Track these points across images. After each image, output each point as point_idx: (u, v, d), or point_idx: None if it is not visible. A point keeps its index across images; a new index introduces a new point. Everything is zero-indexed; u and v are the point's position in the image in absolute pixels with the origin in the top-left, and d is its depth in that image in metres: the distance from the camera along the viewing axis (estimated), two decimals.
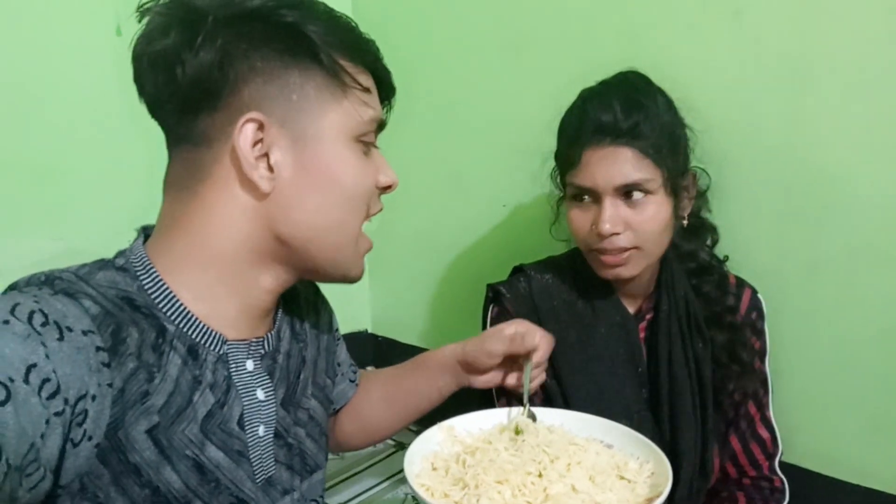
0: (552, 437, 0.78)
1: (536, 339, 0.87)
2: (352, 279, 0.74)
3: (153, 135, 0.68)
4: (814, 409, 1.10)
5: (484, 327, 1.10)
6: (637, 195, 0.93)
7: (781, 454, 1.07)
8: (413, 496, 1.40)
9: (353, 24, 0.69)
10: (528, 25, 1.34)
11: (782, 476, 1.06)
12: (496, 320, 1.09)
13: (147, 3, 0.64)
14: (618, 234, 0.94)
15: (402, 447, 1.66)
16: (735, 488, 1.07)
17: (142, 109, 0.65)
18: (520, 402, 0.89)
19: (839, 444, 1.09)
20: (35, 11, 1.17)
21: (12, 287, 0.61)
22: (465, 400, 0.94)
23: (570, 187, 0.98)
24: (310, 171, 0.65)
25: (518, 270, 1.11)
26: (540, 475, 0.70)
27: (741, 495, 1.06)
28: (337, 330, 0.92)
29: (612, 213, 0.93)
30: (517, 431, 0.80)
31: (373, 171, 0.71)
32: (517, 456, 0.74)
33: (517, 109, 1.36)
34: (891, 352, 1.02)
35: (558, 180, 1.04)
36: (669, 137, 0.95)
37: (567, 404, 0.96)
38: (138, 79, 0.65)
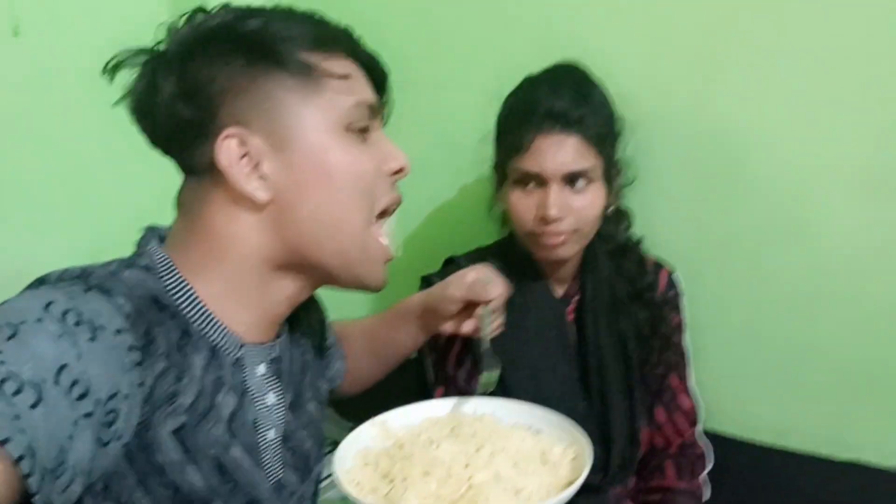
0: (480, 425, 0.80)
1: (495, 290, 0.90)
2: (369, 287, 0.72)
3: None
4: (732, 378, 1.16)
5: None
6: (580, 183, 0.98)
7: (704, 422, 1.13)
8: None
9: (319, 16, 0.68)
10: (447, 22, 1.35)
11: (705, 441, 1.13)
12: None
13: (117, 57, 0.65)
14: (562, 219, 0.98)
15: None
16: (663, 457, 1.13)
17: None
18: (458, 394, 0.93)
19: (757, 409, 1.15)
20: None
21: (42, 281, 0.60)
22: (403, 392, 0.96)
23: (515, 172, 1.01)
24: (300, 170, 0.65)
25: (450, 262, 1.14)
26: (466, 465, 0.71)
27: (669, 463, 1.12)
28: (326, 318, 0.92)
29: (558, 199, 0.97)
30: (452, 426, 0.82)
31: (374, 157, 0.68)
32: (445, 447, 0.75)
33: (444, 103, 1.37)
34: (800, 318, 1.08)
35: (497, 165, 1.07)
36: (610, 128, 1.01)
37: (503, 387, 1.00)
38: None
